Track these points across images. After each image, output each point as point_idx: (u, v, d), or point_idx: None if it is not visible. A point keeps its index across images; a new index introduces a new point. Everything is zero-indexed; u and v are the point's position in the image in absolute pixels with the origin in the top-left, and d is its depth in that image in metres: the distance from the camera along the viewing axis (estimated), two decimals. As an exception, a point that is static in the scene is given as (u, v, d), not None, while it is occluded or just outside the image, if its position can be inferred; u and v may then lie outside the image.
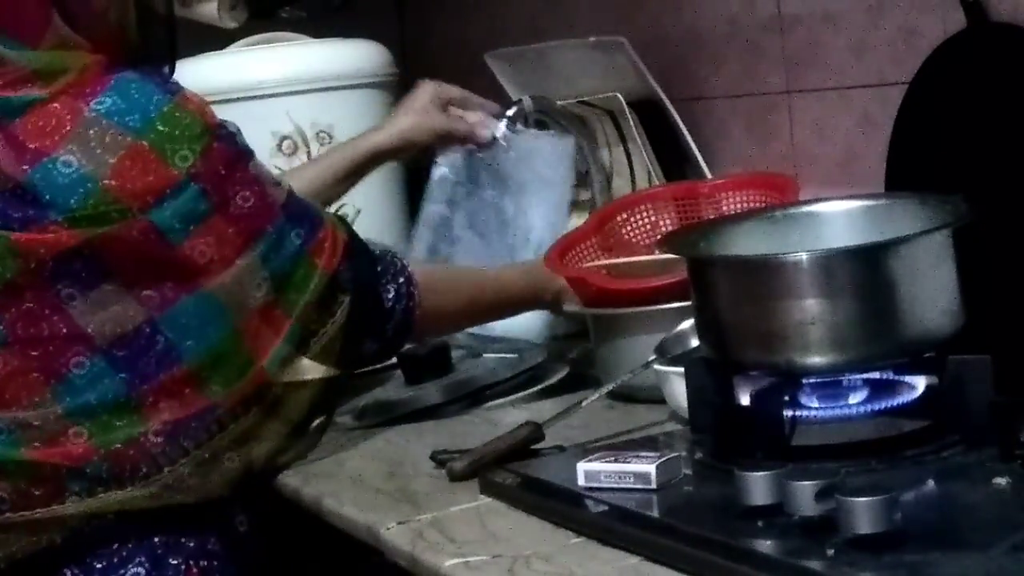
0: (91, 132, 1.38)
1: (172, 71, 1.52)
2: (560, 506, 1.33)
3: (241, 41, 2.30)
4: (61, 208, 1.36)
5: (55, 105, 1.39)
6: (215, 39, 2.30)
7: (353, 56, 2.27)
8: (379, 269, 1.58)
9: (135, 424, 1.41)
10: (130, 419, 1.41)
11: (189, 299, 1.41)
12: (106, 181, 1.37)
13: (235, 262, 1.43)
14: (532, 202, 1.94)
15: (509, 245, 1.93)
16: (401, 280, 1.59)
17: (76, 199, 1.37)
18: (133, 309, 1.40)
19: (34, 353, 1.39)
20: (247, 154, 1.47)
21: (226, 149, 1.44)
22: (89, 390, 1.40)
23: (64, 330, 1.39)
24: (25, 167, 1.37)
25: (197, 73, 2.17)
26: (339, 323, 1.51)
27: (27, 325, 1.39)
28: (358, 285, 1.53)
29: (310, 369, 1.49)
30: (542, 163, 1.94)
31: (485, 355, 2.00)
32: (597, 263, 1.88)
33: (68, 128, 1.38)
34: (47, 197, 1.37)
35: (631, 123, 2.11)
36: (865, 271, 1.32)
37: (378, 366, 1.85)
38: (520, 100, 2.10)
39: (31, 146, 1.38)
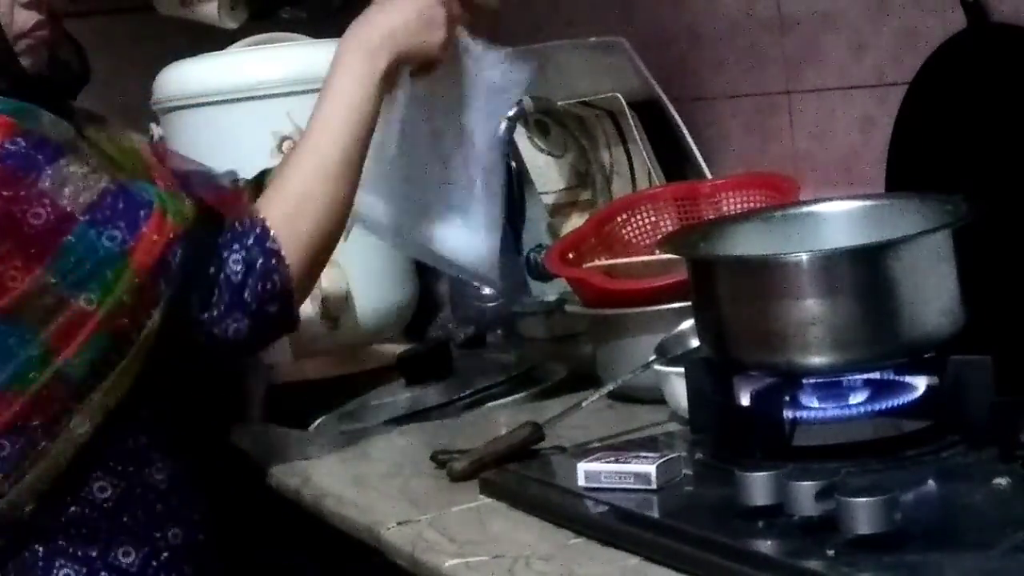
0: None
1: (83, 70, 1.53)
2: (560, 506, 1.33)
3: (241, 41, 2.30)
4: None
5: None
6: (215, 39, 2.30)
7: (353, 56, 2.27)
8: (219, 242, 1.48)
9: None
10: None
11: None
12: None
13: (37, 278, 1.40)
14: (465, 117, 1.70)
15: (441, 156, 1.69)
16: (250, 241, 1.48)
17: None
18: None
19: None
20: (38, 168, 1.42)
21: (6, 170, 1.40)
22: None
23: None
24: None
25: (198, 74, 2.18)
26: (158, 319, 1.43)
27: None
28: (191, 270, 1.45)
29: (125, 368, 1.44)
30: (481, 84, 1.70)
31: (485, 356, 2.00)
32: (597, 263, 1.88)
33: None
34: None
35: (631, 123, 2.11)
36: (865, 271, 1.32)
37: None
38: (520, 101, 2.10)
39: None
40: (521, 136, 2.25)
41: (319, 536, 1.55)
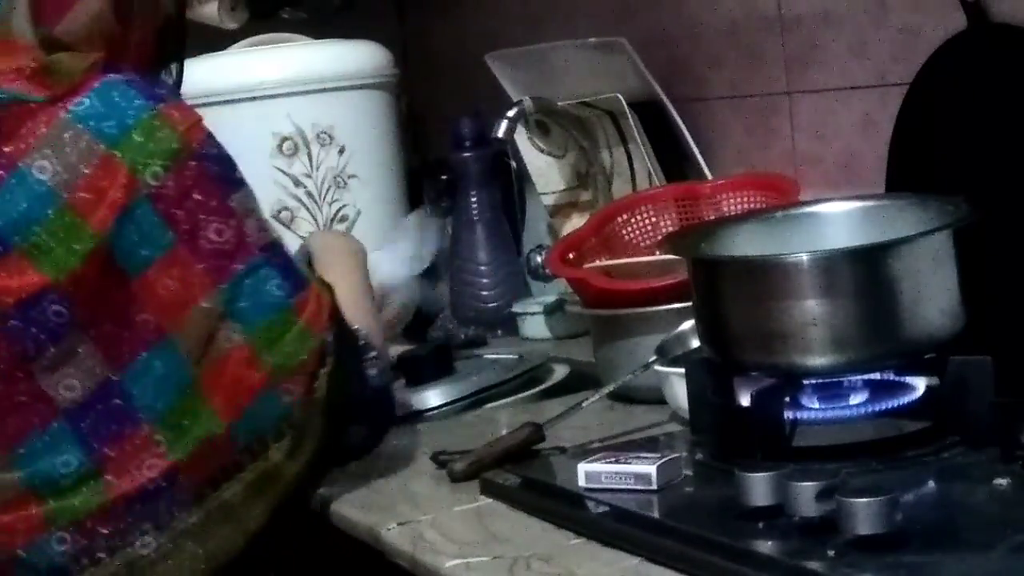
0: (66, 136, 1.27)
1: (179, 76, 1.43)
2: (561, 507, 1.33)
3: (242, 42, 2.31)
4: (19, 229, 1.25)
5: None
6: (216, 40, 2.31)
7: (353, 57, 2.28)
8: (362, 344, 1.45)
9: (97, 494, 1.28)
10: (92, 488, 1.28)
11: (153, 347, 1.28)
12: (76, 194, 1.26)
13: (200, 303, 1.29)
14: None
15: None
16: (375, 357, 1.46)
17: (38, 214, 1.25)
18: (94, 362, 1.27)
19: None
20: (233, 185, 1.32)
21: (205, 172, 1.29)
22: (48, 456, 1.27)
23: (25, 392, 1.27)
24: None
25: (198, 74, 2.18)
26: (320, 394, 1.36)
27: None
28: (344, 358, 1.39)
29: (298, 443, 1.35)
30: None
31: (486, 356, 2.00)
32: (598, 264, 1.88)
33: (43, 131, 1.27)
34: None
35: (632, 124, 2.11)
36: (866, 272, 1.32)
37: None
38: (521, 101, 2.11)
39: (5, 149, 1.27)
40: (521, 137, 2.25)
41: (318, 536, 1.55)
